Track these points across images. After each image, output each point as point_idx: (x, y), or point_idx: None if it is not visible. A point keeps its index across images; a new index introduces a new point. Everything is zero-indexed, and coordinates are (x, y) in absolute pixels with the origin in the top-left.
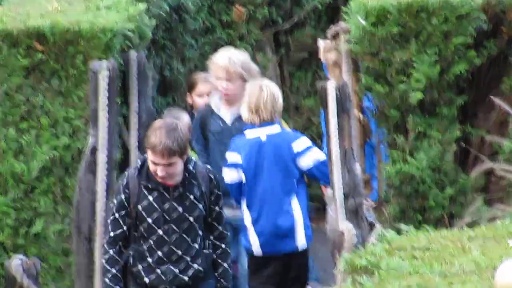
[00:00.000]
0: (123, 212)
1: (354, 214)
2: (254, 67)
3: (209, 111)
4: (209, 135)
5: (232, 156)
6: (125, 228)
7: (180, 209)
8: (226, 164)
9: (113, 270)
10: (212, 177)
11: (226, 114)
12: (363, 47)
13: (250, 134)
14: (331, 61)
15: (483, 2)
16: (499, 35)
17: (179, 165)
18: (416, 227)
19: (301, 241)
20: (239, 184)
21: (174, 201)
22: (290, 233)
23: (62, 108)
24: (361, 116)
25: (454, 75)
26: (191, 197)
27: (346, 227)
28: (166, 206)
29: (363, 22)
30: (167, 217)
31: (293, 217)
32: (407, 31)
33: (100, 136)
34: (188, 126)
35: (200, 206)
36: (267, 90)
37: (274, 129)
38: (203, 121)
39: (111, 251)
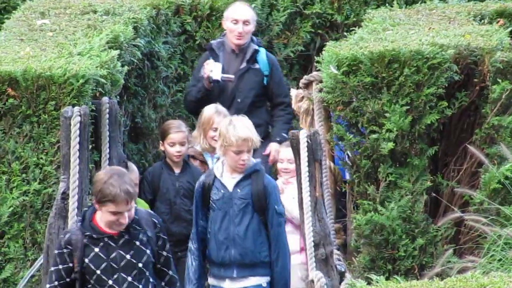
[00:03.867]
0: (65, 266)
1: (324, 263)
2: None
3: (211, 178)
4: (210, 203)
5: None
6: (67, 280)
7: (128, 256)
8: None
9: None
10: (156, 221)
11: (229, 180)
12: (335, 96)
13: None
14: (303, 110)
15: (455, 53)
16: (470, 86)
17: (133, 208)
18: (386, 277)
19: None
20: None
21: (120, 249)
22: None
23: (33, 153)
24: (332, 165)
25: (425, 126)
26: (137, 243)
27: (316, 275)
28: (113, 254)
29: (335, 71)
30: (115, 265)
31: None
32: (379, 81)
33: (71, 182)
34: (136, 176)
35: (148, 251)
36: None
37: None
38: (205, 188)
39: None
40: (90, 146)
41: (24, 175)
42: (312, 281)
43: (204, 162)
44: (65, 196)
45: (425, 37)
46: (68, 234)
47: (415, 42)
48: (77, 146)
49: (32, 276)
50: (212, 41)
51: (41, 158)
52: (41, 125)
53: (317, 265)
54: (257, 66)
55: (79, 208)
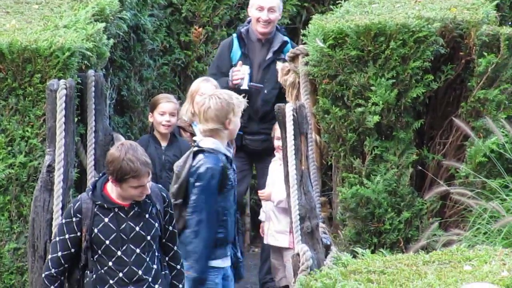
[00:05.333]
0: (72, 235)
1: (310, 236)
2: None
3: (224, 160)
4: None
5: None
6: (72, 250)
7: (137, 228)
8: None
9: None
10: (165, 195)
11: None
12: (321, 70)
13: None
14: (289, 83)
15: (440, 26)
16: (456, 59)
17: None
18: (371, 250)
19: None
20: None
21: (130, 221)
22: None
23: (19, 126)
24: (318, 138)
25: (411, 99)
26: (147, 215)
27: (301, 249)
28: (123, 225)
29: (322, 45)
30: (124, 237)
31: None
32: (365, 54)
33: (57, 155)
34: None
35: (156, 224)
36: None
37: None
38: (224, 173)
39: (53, 270)
40: (76, 119)
41: (9, 148)
42: (298, 254)
43: (194, 135)
44: (50, 169)
45: (411, 10)
46: (79, 202)
47: (401, 16)
48: (63, 119)
49: (18, 249)
50: (241, 29)
51: (27, 131)
52: (26, 98)
53: (303, 239)
54: (282, 56)
55: (65, 181)
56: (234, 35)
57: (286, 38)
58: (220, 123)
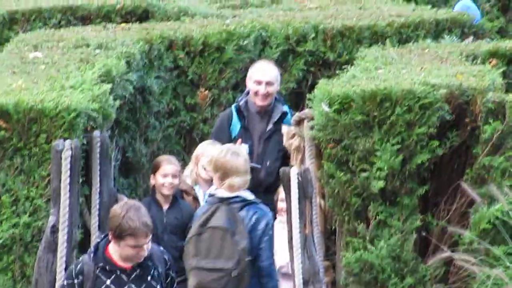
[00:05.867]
0: None
1: None
2: None
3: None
4: None
5: None
6: None
7: None
8: None
9: None
10: (167, 258)
11: None
12: (326, 134)
13: None
14: (295, 147)
15: (446, 92)
16: (462, 125)
17: (150, 241)
18: None
19: None
20: None
21: (132, 283)
22: None
23: (24, 186)
24: (323, 202)
25: (416, 165)
26: (149, 278)
27: None
28: None
29: (327, 109)
30: None
31: None
32: (370, 119)
33: (61, 215)
34: None
35: (158, 287)
36: None
37: None
38: None
39: None
40: (81, 180)
41: (14, 207)
42: None
43: (196, 199)
44: (54, 229)
45: (417, 76)
46: (81, 263)
47: (407, 81)
48: (68, 180)
49: None
50: (240, 102)
51: (32, 191)
52: (32, 158)
53: None
54: (283, 124)
55: (69, 241)
56: (233, 107)
57: (285, 109)
58: (249, 172)
